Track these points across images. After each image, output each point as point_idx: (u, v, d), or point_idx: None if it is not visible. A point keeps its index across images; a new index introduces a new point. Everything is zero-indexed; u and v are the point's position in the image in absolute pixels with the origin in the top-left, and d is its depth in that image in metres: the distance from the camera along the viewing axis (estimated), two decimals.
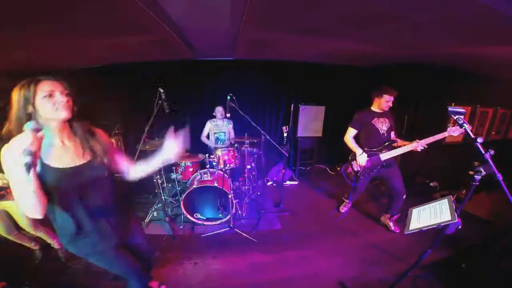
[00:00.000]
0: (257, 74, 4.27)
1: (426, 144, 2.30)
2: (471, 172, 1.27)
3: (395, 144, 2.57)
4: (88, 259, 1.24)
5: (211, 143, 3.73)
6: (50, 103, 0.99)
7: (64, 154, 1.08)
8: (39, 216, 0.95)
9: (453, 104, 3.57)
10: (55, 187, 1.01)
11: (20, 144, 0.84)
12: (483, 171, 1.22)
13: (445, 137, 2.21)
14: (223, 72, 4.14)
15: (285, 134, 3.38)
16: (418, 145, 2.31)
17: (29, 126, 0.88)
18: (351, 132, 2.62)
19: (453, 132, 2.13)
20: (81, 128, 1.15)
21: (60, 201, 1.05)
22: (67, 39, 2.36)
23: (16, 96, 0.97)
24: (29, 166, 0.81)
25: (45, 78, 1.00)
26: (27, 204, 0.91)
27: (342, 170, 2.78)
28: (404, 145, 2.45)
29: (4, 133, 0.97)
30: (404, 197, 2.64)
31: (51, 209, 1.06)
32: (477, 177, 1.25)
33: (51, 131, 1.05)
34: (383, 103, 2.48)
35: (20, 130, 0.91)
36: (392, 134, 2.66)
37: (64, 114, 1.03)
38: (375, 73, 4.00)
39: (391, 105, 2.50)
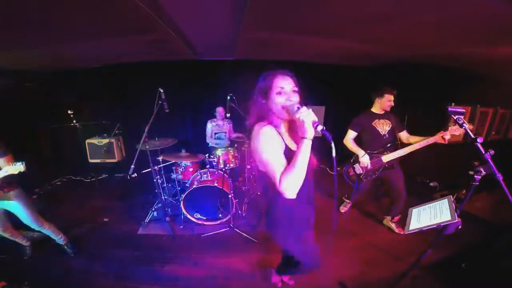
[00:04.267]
0: (257, 74, 4.26)
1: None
2: (471, 172, 1.27)
3: (408, 141, 2.46)
4: (285, 243, 1.44)
5: (216, 144, 3.72)
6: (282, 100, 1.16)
7: (289, 139, 1.28)
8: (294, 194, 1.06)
9: (453, 104, 3.57)
10: None
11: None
12: (483, 171, 1.22)
13: None
14: (223, 72, 4.13)
15: None
16: (447, 133, 2.15)
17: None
18: (350, 135, 2.57)
19: (454, 132, 2.12)
20: None
21: None
22: (67, 40, 2.36)
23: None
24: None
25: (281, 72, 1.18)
26: (294, 184, 1.04)
27: (344, 172, 2.73)
28: (419, 141, 2.33)
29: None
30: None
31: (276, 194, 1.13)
32: (477, 177, 1.24)
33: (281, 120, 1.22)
34: (385, 102, 2.43)
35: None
36: (403, 133, 2.53)
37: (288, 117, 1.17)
38: (375, 73, 4.00)
39: (393, 104, 2.46)
